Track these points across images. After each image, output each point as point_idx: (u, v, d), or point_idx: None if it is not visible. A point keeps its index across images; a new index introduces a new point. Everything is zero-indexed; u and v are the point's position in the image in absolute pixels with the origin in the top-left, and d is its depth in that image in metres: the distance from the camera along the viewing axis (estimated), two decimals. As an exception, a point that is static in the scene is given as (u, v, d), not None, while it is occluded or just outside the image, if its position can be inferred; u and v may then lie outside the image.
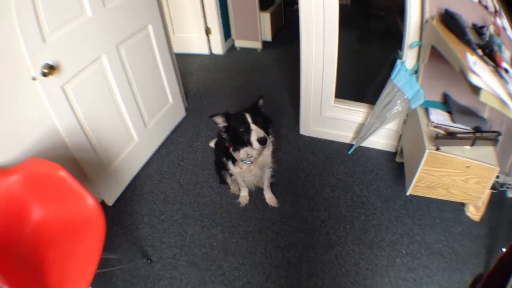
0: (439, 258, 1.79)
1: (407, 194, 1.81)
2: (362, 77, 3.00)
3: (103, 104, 2.10)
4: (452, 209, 2.00)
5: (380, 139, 2.44)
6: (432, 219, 1.98)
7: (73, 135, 1.90)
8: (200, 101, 3.29)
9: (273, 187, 2.27)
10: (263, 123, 1.71)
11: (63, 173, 1.45)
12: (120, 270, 1.91)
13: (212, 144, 2.66)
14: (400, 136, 2.29)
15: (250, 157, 1.80)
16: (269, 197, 2.20)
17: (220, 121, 1.72)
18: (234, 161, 1.84)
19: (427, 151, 1.54)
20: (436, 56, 1.61)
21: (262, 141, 1.62)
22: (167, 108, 2.76)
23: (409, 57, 1.89)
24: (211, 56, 4.01)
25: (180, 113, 2.99)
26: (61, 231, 1.47)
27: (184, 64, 3.84)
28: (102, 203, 2.28)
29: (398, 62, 1.91)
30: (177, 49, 3.90)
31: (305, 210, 2.15)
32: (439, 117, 1.73)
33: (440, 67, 1.73)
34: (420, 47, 1.78)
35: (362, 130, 2.32)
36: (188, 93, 3.36)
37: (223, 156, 1.91)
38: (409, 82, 1.86)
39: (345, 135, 2.58)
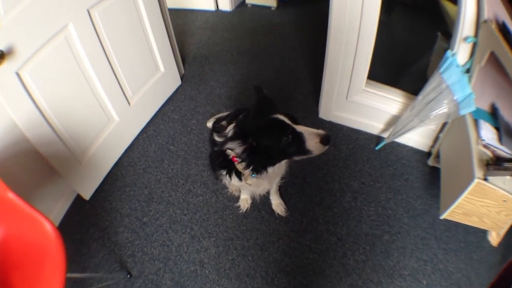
0: (455, 290, 1.53)
1: (441, 218, 1.52)
2: (392, 57, 2.42)
3: (72, 84, 1.65)
4: (477, 232, 1.71)
5: (413, 136, 1.99)
6: (458, 242, 1.68)
7: (34, 127, 1.51)
8: (201, 66, 2.75)
9: (282, 189, 1.84)
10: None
11: (11, 195, 1.18)
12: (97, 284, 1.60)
13: (209, 124, 2.19)
14: (438, 136, 1.86)
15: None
16: (277, 204, 1.78)
17: (235, 146, 1.15)
18: (238, 174, 1.35)
19: (475, 180, 1.32)
20: (492, 62, 1.37)
21: (327, 140, 1.15)
22: (157, 78, 2.26)
23: (461, 51, 1.50)
24: (218, 13, 3.36)
25: (174, 82, 2.49)
26: (24, 255, 1.23)
27: (185, 22, 3.24)
28: (78, 198, 1.93)
29: (449, 53, 1.49)
30: (179, 4, 3.32)
31: (320, 223, 1.74)
32: (489, 134, 1.46)
33: (495, 76, 1.45)
34: (475, 44, 1.44)
35: (397, 125, 1.83)
36: (186, 56, 2.82)
37: (219, 168, 1.41)
38: (461, 82, 1.48)
39: (373, 125, 2.10)
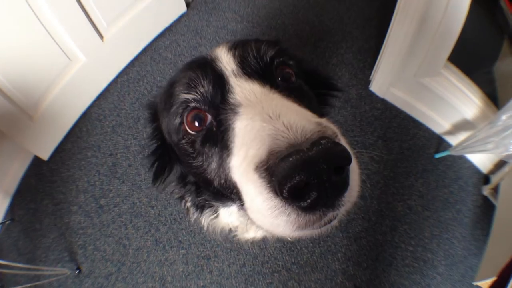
0: None
1: (474, 284, 1.21)
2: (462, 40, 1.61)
3: (12, 19, 1.17)
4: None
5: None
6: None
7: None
8: (218, -9, 2.00)
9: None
10: (300, 88, 0.58)
11: None
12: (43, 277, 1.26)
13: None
14: (502, 164, 1.37)
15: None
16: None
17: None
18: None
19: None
20: None
21: (289, 185, 0.35)
22: (148, 3, 1.59)
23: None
24: None
25: (175, 9, 1.81)
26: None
27: None
28: (36, 158, 1.53)
29: None
30: None
31: (338, 259, 1.23)
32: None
33: None
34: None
35: (469, 138, 1.25)
36: (201, -28, 2.05)
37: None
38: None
39: (438, 122, 1.47)
